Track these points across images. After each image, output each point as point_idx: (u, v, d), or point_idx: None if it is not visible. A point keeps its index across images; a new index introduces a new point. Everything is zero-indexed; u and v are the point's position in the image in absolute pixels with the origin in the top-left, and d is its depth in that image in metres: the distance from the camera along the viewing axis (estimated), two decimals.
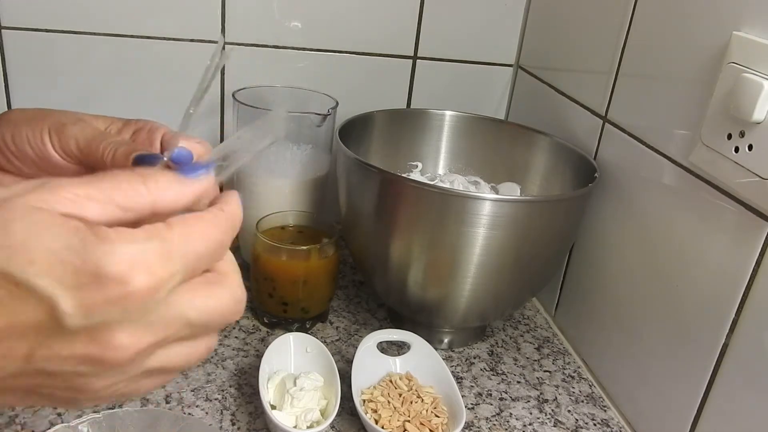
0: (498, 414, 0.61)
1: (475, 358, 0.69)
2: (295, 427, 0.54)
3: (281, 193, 0.75)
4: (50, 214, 0.24)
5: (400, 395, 0.58)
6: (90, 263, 0.23)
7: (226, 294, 0.28)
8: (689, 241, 0.54)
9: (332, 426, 0.57)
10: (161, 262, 0.25)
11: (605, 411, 0.63)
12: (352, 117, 0.72)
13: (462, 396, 0.59)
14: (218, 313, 0.28)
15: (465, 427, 0.58)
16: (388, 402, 0.57)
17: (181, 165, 0.30)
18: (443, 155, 0.81)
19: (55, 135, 0.39)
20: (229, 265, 0.29)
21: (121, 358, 0.25)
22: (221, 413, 0.57)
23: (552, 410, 0.63)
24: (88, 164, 0.40)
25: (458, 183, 0.77)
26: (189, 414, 0.57)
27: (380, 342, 0.64)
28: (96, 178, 0.26)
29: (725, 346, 0.50)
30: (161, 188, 0.27)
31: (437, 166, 0.81)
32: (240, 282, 0.29)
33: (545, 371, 0.68)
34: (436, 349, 0.63)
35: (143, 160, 0.38)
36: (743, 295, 0.48)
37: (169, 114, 0.84)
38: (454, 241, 0.58)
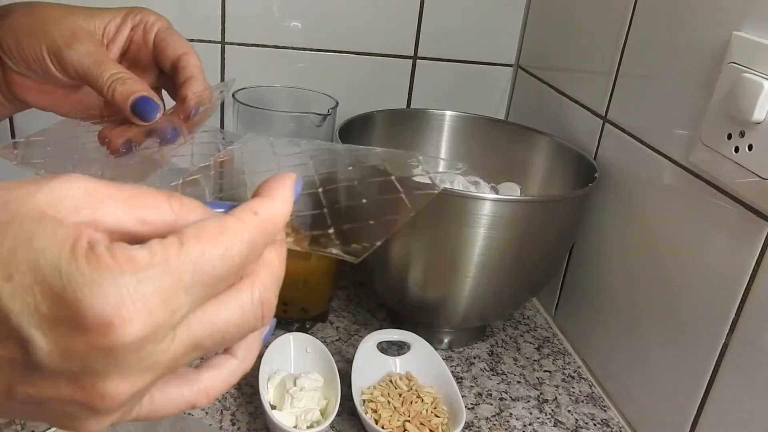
0: (498, 414, 0.61)
1: (475, 358, 0.69)
2: (295, 427, 0.54)
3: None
4: (51, 223, 0.20)
5: (400, 395, 0.58)
6: (70, 298, 0.19)
7: (244, 300, 0.24)
8: (689, 241, 0.54)
9: (332, 426, 0.57)
10: (162, 299, 0.20)
11: (605, 411, 0.63)
12: (352, 117, 0.72)
13: (462, 396, 0.59)
14: (233, 325, 0.23)
15: (465, 427, 0.58)
16: (388, 402, 0.57)
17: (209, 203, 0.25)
18: (443, 155, 0.81)
19: (54, 57, 0.39)
20: (260, 263, 0.25)
21: (111, 406, 0.21)
22: (221, 413, 0.57)
23: (552, 410, 0.63)
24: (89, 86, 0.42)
25: (458, 183, 0.77)
26: (189, 414, 0.57)
27: (380, 342, 0.64)
28: (120, 184, 0.22)
29: (725, 346, 0.50)
30: (185, 210, 0.23)
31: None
32: (266, 281, 0.25)
33: (545, 371, 0.68)
34: (436, 349, 0.63)
35: (141, 106, 0.39)
36: (743, 295, 0.48)
37: None
38: (454, 241, 0.58)
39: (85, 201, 0.21)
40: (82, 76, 0.40)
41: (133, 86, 0.39)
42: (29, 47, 0.40)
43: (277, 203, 0.25)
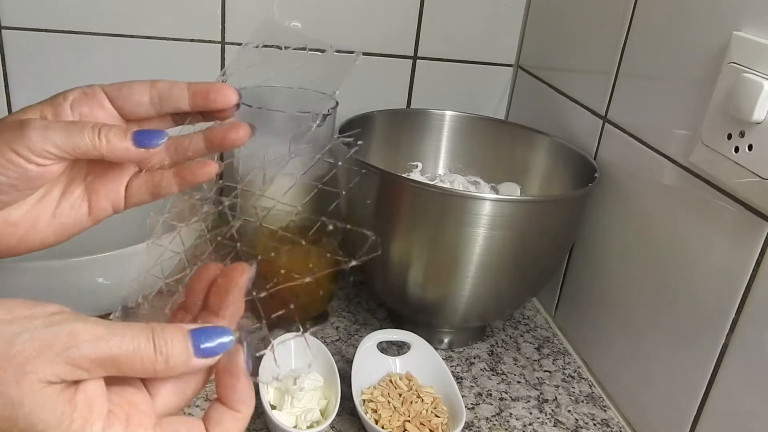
0: (498, 414, 0.61)
1: (475, 358, 0.69)
2: (295, 427, 0.54)
3: (281, 193, 0.74)
4: (52, 405, 0.27)
5: (400, 395, 0.58)
6: None
7: None
8: (689, 241, 0.54)
9: (332, 426, 0.57)
10: None
11: (605, 411, 0.63)
12: (352, 117, 0.72)
13: (462, 396, 0.59)
14: None
15: (465, 427, 0.58)
16: (388, 402, 0.57)
17: (195, 333, 0.31)
18: (443, 155, 0.81)
19: (25, 148, 0.34)
20: None
21: None
22: None
23: (552, 410, 0.63)
24: (74, 158, 0.36)
25: (458, 183, 0.77)
26: (189, 414, 0.57)
27: (380, 342, 0.64)
28: (113, 338, 0.28)
29: (725, 346, 0.50)
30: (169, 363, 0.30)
31: (437, 166, 0.81)
32: None
33: (545, 371, 0.68)
34: (436, 349, 0.63)
35: (142, 134, 0.35)
36: (743, 295, 0.48)
37: None
38: (454, 241, 0.58)
39: (70, 374, 0.28)
40: (63, 146, 0.34)
41: (120, 127, 0.35)
42: None
43: (245, 416, 0.32)
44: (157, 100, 0.38)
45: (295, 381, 0.57)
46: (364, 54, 0.85)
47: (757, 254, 0.47)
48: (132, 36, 0.79)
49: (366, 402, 0.58)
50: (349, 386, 0.58)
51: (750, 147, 0.46)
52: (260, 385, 0.56)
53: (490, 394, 0.64)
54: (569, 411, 0.63)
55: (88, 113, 0.38)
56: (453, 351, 0.70)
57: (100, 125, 0.35)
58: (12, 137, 0.34)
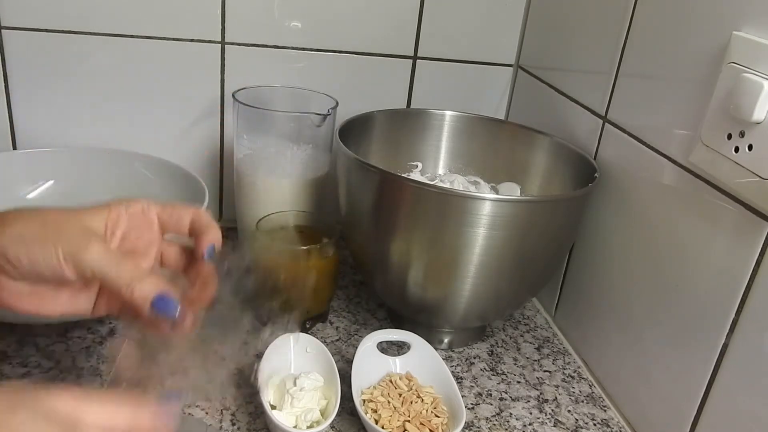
0: (498, 414, 0.61)
1: (475, 358, 0.69)
2: (295, 427, 0.54)
3: (281, 193, 0.75)
4: None
5: (400, 395, 0.58)
6: None
7: None
8: (689, 241, 0.54)
9: (332, 426, 0.57)
10: None
11: (605, 411, 0.63)
12: (352, 117, 0.72)
13: (462, 396, 0.59)
14: None
15: (465, 427, 0.58)
16: (388, 402, 0.57)
17: (161, 399, 0.37)
18: (443, 155, 0.81)
19: (70, 262, 0.39)
20: None
21: None
22: (221, 413, 0.57)
23: (552, 410, 0.63)
24: (103, 286, 0.44)
25: (458, 183, 0.77)
26: (189, 414, 0.57)
27: (380, 342, 0.64)
28: (100, 404, 0.34)
29: (725, 346, 0.50)
30: (142, 422, 0.35)
31: (437, 166, 0.81)
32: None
33: (545, 371, 0.68)
34: (436, 349, 0.63)
35: (160, 305, 0.41)
36: (743, 295, 0.48)
37: (168, 114, 0.84)
38: (454, 241, 0.58)
39: None
40: (99, 277, 0.40)
41: (150, 284, 0.41)
42: (42, 254, 0.39)
43: None
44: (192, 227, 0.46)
45: (295, 381, 0.57)
46: (364, 54, 0.85)
47: (757, 254, 0.47)
48: (132, 36, 0.79)
49: (366, 402, 0.58)
50: (349, 386, 0.58)
51: (750, 147, 0.46)
52: (260, 385, 0.56)
53: (490, 394, 0.64)
54: (569, 411, 0.63)
55: (137, 227, 0.45)
56: (453, 351, 0.70)
57: (134, 275, 0.40)
58: (70, 247, 0.39)
